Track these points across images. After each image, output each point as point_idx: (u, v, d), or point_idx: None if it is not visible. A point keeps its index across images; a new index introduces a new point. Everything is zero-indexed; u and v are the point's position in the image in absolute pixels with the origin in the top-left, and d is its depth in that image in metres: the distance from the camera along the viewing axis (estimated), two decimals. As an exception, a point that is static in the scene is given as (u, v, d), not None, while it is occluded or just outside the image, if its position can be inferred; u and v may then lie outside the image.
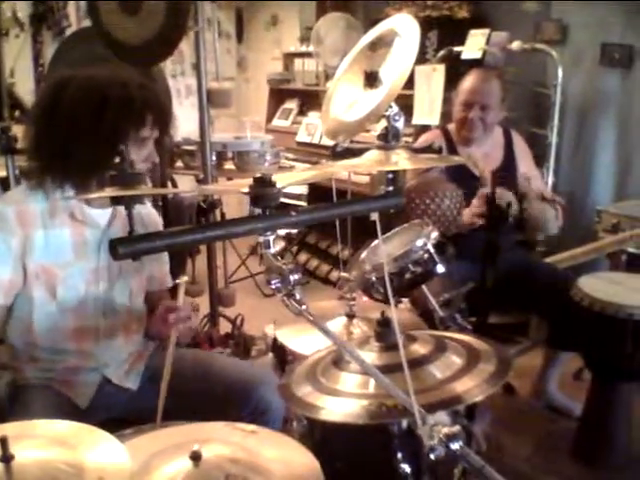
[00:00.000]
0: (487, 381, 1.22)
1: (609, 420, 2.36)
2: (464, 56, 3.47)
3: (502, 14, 3.76)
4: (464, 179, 2.35)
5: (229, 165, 3.57)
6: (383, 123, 1.57)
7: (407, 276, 1.77)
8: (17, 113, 3.35)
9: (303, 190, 4.68)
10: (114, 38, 2.43)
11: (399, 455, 1.28)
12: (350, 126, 1.71)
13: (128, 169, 1.30)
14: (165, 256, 1.89)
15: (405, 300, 2.17)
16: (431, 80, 3.44)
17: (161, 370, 1.55)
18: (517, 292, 2.52)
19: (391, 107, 1.57)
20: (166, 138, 1.73)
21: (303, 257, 4.86)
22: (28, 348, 1.65)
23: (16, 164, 2.52)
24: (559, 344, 2.60)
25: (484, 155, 2.59)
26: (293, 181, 1.38)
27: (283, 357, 1.86)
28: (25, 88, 4.05)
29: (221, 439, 1.15)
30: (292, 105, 5.28)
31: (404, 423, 1.26)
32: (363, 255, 1.91)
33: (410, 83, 3.38)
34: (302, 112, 5.19)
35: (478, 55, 3.41)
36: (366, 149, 1.59)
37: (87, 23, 3.04)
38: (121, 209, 1.53)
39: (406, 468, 1.28)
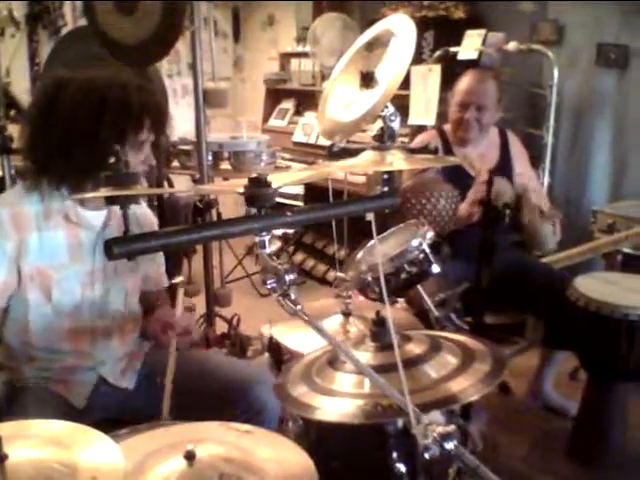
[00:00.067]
0: (482, 381, 1.23)
1: (605, 420, 2.37)
2: (460, 56, 3.47)
3: (498, 14, 3.77)
4: (460, 179, 2.36)
5: (225, 165, 3.57)
6: (379, 123, 1.57)
7: (403, 276, 1.78)
8: (13, 112, 3.34)
9: (299, 190, 4.69)
10: (110, 38, 2.42)
11: (394, 455, 1.28)
12: (346, 126, 1.71)
13: (123, 169, 1.29)
14: (161, 256, 1.88)
15: (401, 300, 2.17)
16: (427, 80, 3.45)
17: (157, 370, 1.55)
18: (513, 292, 2.52)
19: (387, 107, 1.57)
20: (162, 138, 1.73)
21: (299, 257, 4.86)
22: (24, 348, 1.65)
23: (12, 164, 2.52)
24: (555, 344, 2.60)
25: (480, 155, 2.59)
26: (289, 181, 1.38)
27: (279, 357, 1.85)
28: (21, 87, 4.05)
29: (215, 439, 1.14)
30: (288, 105, 5.28)
31: (399, 423, 1.26)
32: (359, 255, 1.91)
33: (406, 83, 3.38)
34: (298, 112, 5.20)
35: (474, 56, 3.41)
36: (362, 149, 1.59)
37: (83, 22, 3.04)
38: (116, 210, 1.53)
39: (401, 468, 1.28)
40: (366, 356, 1.33)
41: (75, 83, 1.55)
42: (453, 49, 3.55)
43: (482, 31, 3.46)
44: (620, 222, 3.02)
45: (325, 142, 2.26)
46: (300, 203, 4.55)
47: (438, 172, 2.44)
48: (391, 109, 1.57)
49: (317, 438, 1.36)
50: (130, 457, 1.03)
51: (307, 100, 5.07)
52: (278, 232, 1.13)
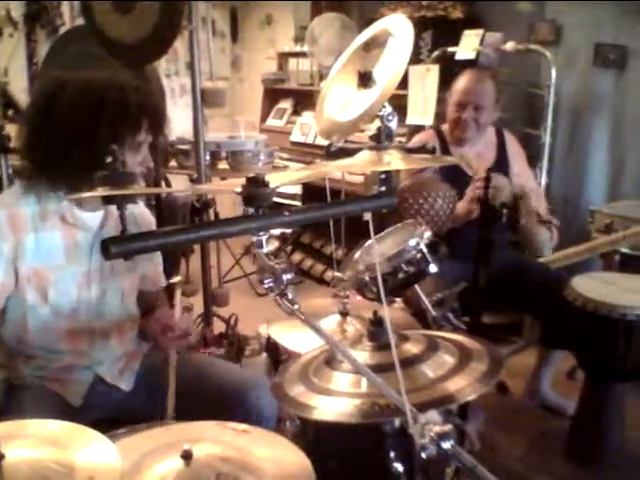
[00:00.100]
0: (479, 380, 1.23)
1: (602, 420, 2.37)
2: (458, 56, 3.48)
3: (496, 15, 3.78)
4: (457, 179, 2.36)
5: (223, 165, 3.56)
6: (377, 123, 1.57)
7: (400, 276, 1.78)
8: (11, 112, 3.33)
9: (297, 190, 4.69)
10: (108, 37, 2.42)
11: (392, 454, 1.28)
12: (344, 126, 1.71)
13: (120, 168, 1.29)
14: (158, 256, 1.88)
15: (398, 299, 2.17)
16: (425, 80, 3.45)
17: (155, 371, 1.54)
18: (510, 292, 2.52)
19: (385, 107, 1.57)
20: (160, 139, 1.73)
21: (297, 257, 4.87)
22: (22, 348, 1.65)
23: (9, 163, 2.52)
24: (552, 343, 2.60)
25: (477, 155, 2.59)
26: (287, 181, 1.38)
27: (277, 356, 1.86)
28: (19, 87, 4.04)
29: (212, 438, 1.14)
30: (286, 105, 5.28)
31: (397, 422, 1.26)
32: (357, 255, 1.91)
33: (404, 83, 3.38)
34: (296, 112, 5.19)
35: (472, 55, 3.41)
36: (360, 149, 1.59)
37: (81, 22, 3.04)
38: (113, 210, 1.52)
39: (399, 467, 1.28)
40: (363, 356, 1.34)
41: (73, 83, 1.55)
42: (451, 49, 3.56)
43: (480, 31, 3.46)
44: (618, 222, 3.03)
45: (323, 142, 2.26)
46: (298, 203, 4.56)
47: (435, 172, 2.44)
48: (389, 109, 1.57)
49: (314, 437, 1.36)
50: (127, 457, 1.03)
51: (305, 100, 5.07)
52: (276, 232, 1.13)
